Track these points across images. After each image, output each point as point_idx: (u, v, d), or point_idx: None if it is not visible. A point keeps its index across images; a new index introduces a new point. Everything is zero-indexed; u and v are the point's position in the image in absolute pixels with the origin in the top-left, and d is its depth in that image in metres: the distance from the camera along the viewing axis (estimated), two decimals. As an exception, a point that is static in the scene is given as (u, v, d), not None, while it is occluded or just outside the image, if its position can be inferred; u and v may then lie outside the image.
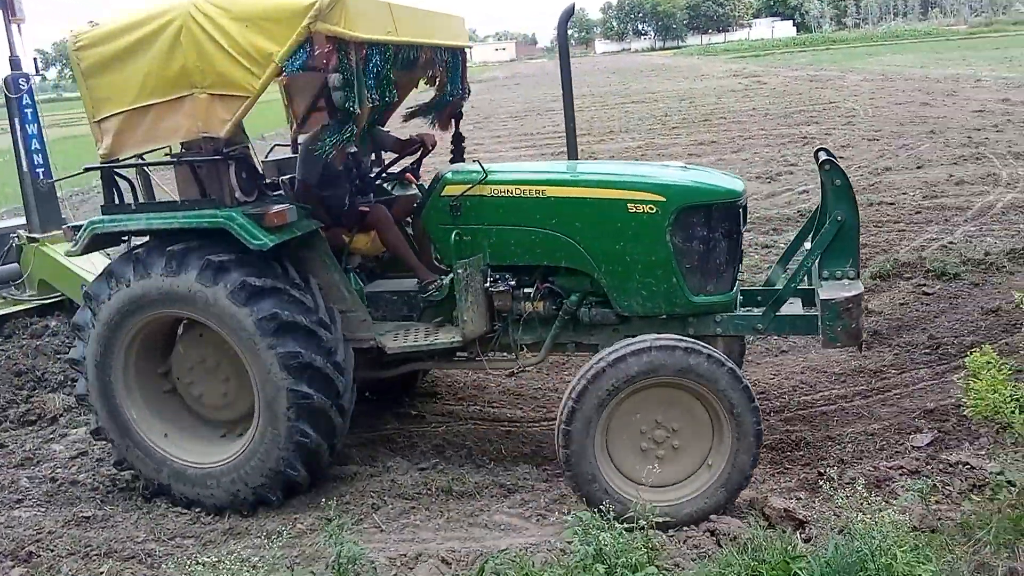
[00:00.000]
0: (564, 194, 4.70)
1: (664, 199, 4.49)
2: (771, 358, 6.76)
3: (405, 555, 4.14)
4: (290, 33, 4.18)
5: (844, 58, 44.75)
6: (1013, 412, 3.59)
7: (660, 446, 4.24)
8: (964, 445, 4.93)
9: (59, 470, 5.48)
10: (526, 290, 4.81)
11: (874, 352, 6.64)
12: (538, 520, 4.50)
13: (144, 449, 4.84)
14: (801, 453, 5.12)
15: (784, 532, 3.90)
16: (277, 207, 4.56)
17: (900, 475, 4.65)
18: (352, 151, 4.78)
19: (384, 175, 5.92)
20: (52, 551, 4.43)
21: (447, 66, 5.60)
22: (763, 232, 10.53)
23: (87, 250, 4.95)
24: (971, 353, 3.82)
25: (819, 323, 4.39)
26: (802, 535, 3.95)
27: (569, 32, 5.23)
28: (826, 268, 4.57)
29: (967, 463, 4.65)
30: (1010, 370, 3.75)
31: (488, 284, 4.75)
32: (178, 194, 4.84)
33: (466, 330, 4.76)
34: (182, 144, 4.71)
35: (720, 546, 3.98)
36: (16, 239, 7.18)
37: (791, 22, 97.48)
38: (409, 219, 5.63)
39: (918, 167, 13.58)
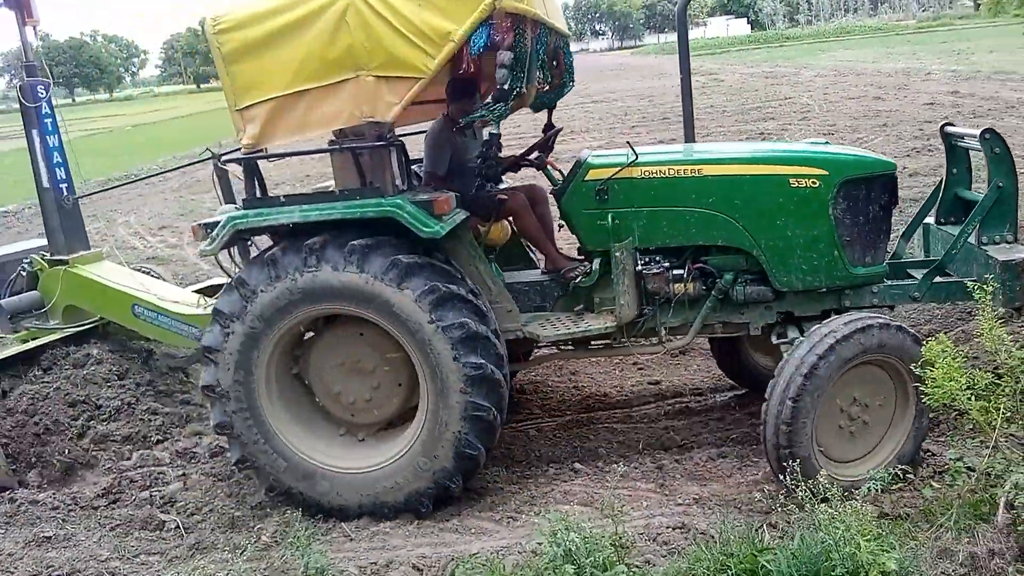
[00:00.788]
0: (722, 172, 4.73)
1: (827, 173, 4.58)
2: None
3: (376, 563, 4.11)
4: (469, 10, 4.06)
5: (798, 54, 45.41)
6: (969, 399, 3.67)
7: (853, 422, 4.35)
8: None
9: (19, 490, 5.34)
10: (676, 271, 4.78)
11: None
12: (508, 523, 4.50)
13: (279, 451, 4.58)
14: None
15: (752, 525, 3.95)
16: (442, 194, 4.45)
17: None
18: (495, 132, 4.61)
19: (523, 162, 5.56)
20: (12, 573, 4.31)
21: (565, 54, 5.60)
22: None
23: (225, 247, 4.63)
24: (927, 342, 3.89)
25: (998, 286, 4.34)
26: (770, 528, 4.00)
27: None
28: (985, 234, 4.72)
29: (928, 450, 4.77)
30: (964, 358, 3.83)
31: (640, 267, 4.74)
32: (335, 183, 4.70)
33: (622, 315, 4.74)
34: (335, 131, 4.54)
35: (690, 541, 4.02)
36: (28, 265, 6.39)
37: (745, 20, 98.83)
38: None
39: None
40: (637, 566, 3.69)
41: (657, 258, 4.79)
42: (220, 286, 6.86)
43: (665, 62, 49.60)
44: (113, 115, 63.33)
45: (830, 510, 3.22)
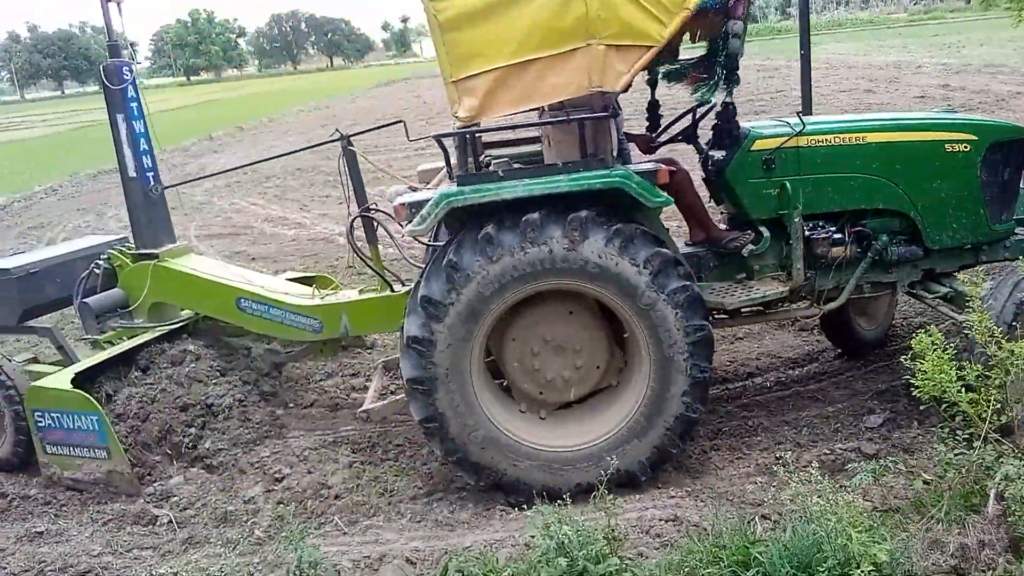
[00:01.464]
0: (884, 139, 4.99)
1: (977, 138, 4.98)
2: (727, 345, 6.85)
3: (369, 557, 4.11)
4: None
5: (790, 47, 45.44)
6: (959, 392, 3.69)
7: None
8: (915, 425, 5.08)
9: (9, 485, 5.32)
10: (837, 236, 4.99)
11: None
12: (502, 516, 4.50)
13: (490, 438, 4.43)
14: (759, 438, 5.21)
15: (744, 517, 3.96)
16: (662, 165, 4.45)
17: (856, 457, 4.76)
18: (729, 101, 4.76)
19: (678, 137, 5.53)
20: (4, 568, 4.31)
21: None
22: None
23: (437, 226, 4.41)
24: (917, 335, 3.91)
25: None
26: (762, 520, 4.02)
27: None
28: None
29: (919, 442, 4.80)
30: (954, 350, 3.84)
31: (808, 233, 4.93)
32: (549, 155, 4.66)
33: (796, 279, 4.93)
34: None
35: (683, 533, 4.04)
36: (105, 261, 5.92)
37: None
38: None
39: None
40: (630, 558, 3.70)
41: (821, 223, 5.02)
42: (311, 277, 6.74)
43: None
44: (102, 107, 62.88)
45: (821, 502, 3.24)
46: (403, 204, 4.39)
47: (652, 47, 4.13)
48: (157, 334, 5.81)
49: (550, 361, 4.60)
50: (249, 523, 4.58)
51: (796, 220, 4.82)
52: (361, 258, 5.41)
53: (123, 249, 6.02)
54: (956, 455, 3.71)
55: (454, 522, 4.47)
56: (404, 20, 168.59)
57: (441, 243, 4.56)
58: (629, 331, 4.47)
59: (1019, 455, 3.64)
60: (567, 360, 4.61)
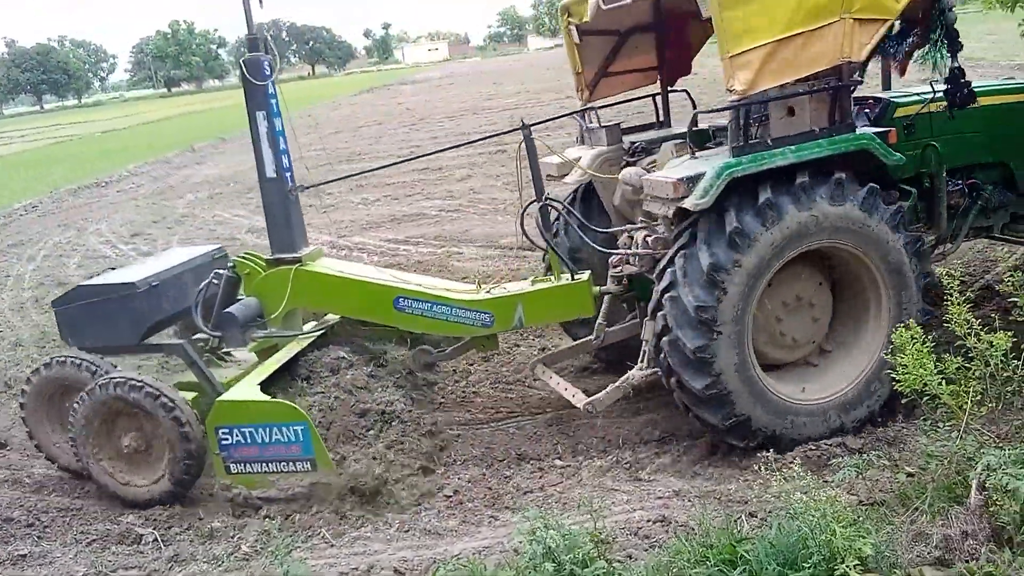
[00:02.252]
0: (997, 102, 5.79)
1: None
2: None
3: (357, 568, 4.09)
4: None
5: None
6: (940, 384, 3.71)
7: None
8: (899, 418, 5.10)
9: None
10: (959, 188, 5.65)
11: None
12: (490, 522, 4.50)
13: (759, 396, 4.73)
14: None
15: (731, 516, 3.97)
16: (890, 128, 4.99)
17: (841, 452, 4.78)
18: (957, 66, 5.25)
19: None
20: (-13, 593, 4.26)
21: None
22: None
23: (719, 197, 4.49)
24: (897, 329, 3.92)
25: None
26: (748, 517, 4.03)
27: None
28: None
29: (904, 435, 4.82)
30: (934, 343, 3.86)
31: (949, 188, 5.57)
32: (797, 124, 4.94)
33: (942, 228, 5.55)
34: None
35: (670, 534, 4.04)
36: (229, 270, 5.55)
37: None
38: None
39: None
40: (619, 561, 3.71)
41: (949, 179, 5.61)
42: None
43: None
44: (82, 121, 62.53)
45: (804, 498, 3.25)
46: (680, 179, 4.55)
47: (888, 20, 4.69)
48: (307, 342, 5.65)
49: (790, 320, 4.99)
50: (235, 539, 4.54)
51: (943, 176, 5.47)
52: (548, 243, 5.50)
53: (252, 256, 5.66)
54: (938, 447, 3.74)
55: (442, 530, 4.46)
56: (386, 27, 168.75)
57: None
58: (869, 286, 4.94)
59: (1000, 445, 3.67)
60: (804, 318, 5.03)
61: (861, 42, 4.59)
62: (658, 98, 6.54)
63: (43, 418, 5.38)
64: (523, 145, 5.34)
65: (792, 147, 4.57)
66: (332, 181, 7.76)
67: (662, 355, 4.74)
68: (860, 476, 3.94)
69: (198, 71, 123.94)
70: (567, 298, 5.49)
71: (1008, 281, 4.17)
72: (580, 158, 5.90)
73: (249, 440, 4.80)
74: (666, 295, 4.68)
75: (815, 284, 4.98)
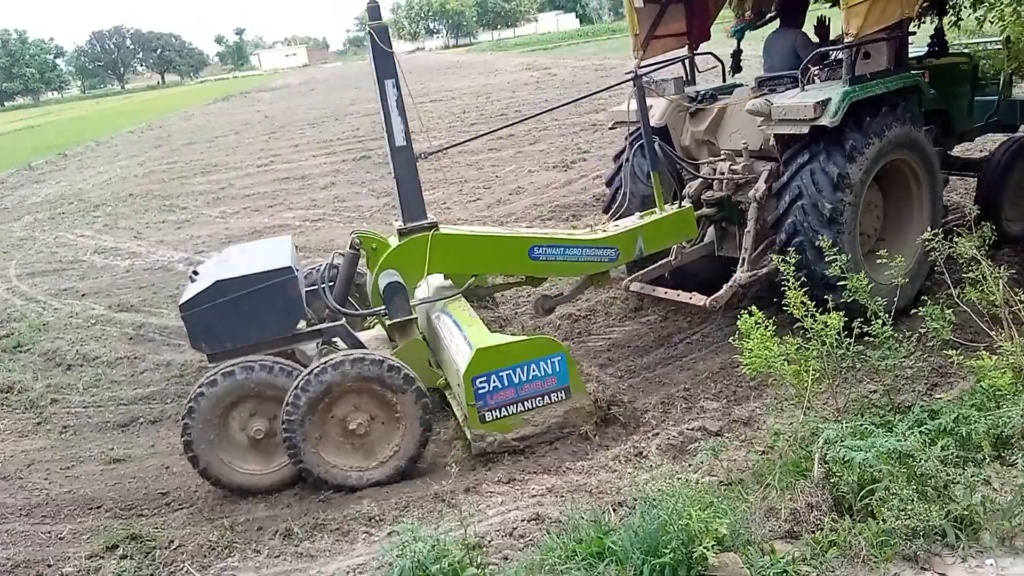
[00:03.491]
0: (943, 62, 7.39)
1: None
2: (579, 342, 7.03)
3: (224, 601, 3.90)
4: None
5: (625, 47, 47.35)
6: (783, 366, 3.94)
7: None
8: (752, 399, 5.39)
9: None
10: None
11: (669, 321, 7.10)
12: (364, 538, 4.39)
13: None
14: (612, 429, 5.35)
15: (600, 508, 4.06)
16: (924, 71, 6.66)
17: (702, 435, 5.00)
18: None
19: None
20: None
21: None
22: (564, 220, 10.94)
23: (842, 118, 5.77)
24: (742, 315, 4.14)
25: None
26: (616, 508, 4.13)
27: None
28: None
29: (757, 414, 5.10)
30: (775, 326, 4.10)
31: None
32: (879, 64, 6.24)
33: None
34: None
35: (544, 531, 4.08)
36: (351, 248, 5.66)
37: (574, 14, 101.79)
38: None
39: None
40: (493, 564, 3.71)
41: None
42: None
43: (499, 59, 50.28)
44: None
45: (659, 485, 3.36)
46: (818, 102, 5.74)
47: None
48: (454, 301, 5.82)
49: (865, 219, 6.36)
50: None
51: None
52: (654, 178, 6.38)
53: (370, 232, 5.80)
54: (785, 425, 3.96)
55: (315, 551, 4.32)
56: (239, 32, 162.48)
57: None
58: (915, 190, 6.51)
59: (839, 419, 3.93)
60: (871, 216, 6.52)
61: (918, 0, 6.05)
62: (686, 60, 7.53)
63: (213, 435, 4.85)
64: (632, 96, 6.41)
65: (880, 80, 6.02)
66: (452, 147, 7.82)
67: (790, 248, 5.29)
68: (717, 458, 4.12)
69: (33, 83, 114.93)
70: (678, 224, 6.46)
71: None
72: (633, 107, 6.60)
73: (506, 383, 4.93)
74: (795, 204, 5.94)
75: (875, 190, 6.41)
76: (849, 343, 4.06)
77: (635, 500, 4.08)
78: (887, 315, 4.27)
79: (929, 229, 5.26)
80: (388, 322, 5.57)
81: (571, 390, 5.10)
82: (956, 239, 4.53)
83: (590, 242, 6.05)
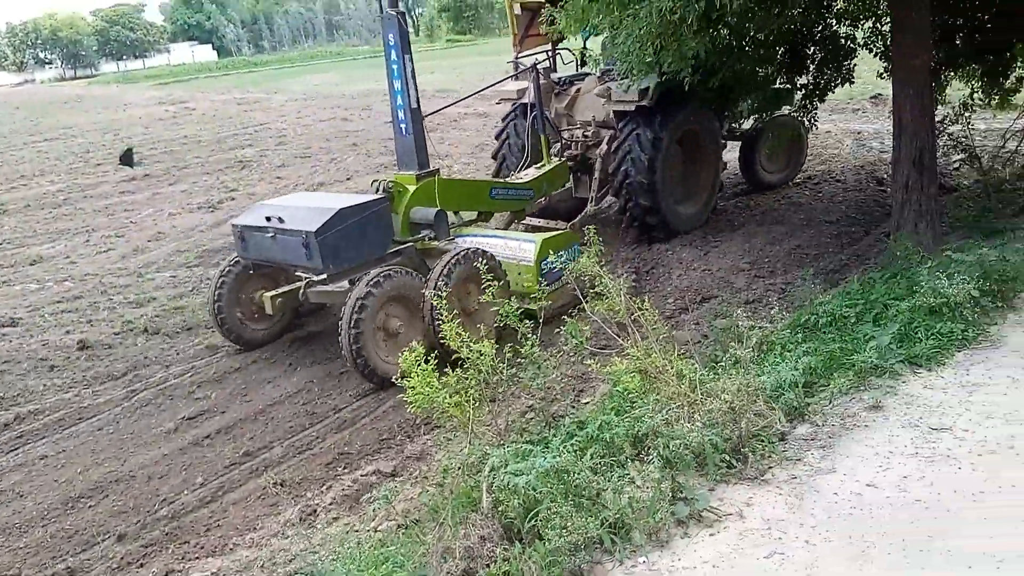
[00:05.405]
0: None
1: None
2: (262, 390, 6.53)
3: None
4: None
5: (266, 80, 46.14)
6: (446, 399, 3.94)
7: None
8: (423, 431, 5.39)
9: None
10: None
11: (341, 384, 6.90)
12: None
13: (670, 207, 9.06)
14: (287, 488, 5.01)
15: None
16: None
17: (378, 479, 4.86)
18: None
19: None
20: None
21: None
22: (213, 264, 10.19)
23: None
24: (406, 352, 4.08)
25: None
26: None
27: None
28: None
29: (430, 449, 5.10)
30: (436, 360, 4.11)
31: None
32: None
33: None
34: None
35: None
36: (385, 191, 7.14)
37: (210, 46, 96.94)
38: None
39: (348, 178, 14.66)
40: None
41: None
42: None
43: (128, 91, 46.04)
44: None
45: (334, 546, 3.15)
46: (640, 89, 8.20)
47: None
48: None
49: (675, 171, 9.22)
50: None
51: None
52: (546, 138, 9.25)
53: (393, 180, 7.29)
54: (453, 457, 3.97)
55: None
56: None
57: None
58: (704, 151, 9.50)
59: (501, 443, 4.04)
60: (677, 166, 9.29)
61: None
62: (550, 54, 10.37)
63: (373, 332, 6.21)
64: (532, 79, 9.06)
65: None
66: (442, 109, 10.97)
67: (623, 191, 8.74)
68: (391, 504, 4.01)
69: None
70: (561, 173, 9.28)
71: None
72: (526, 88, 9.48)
73: (553, 264, 6.75)
74: (626, 157, 8.62)
75: (678, 149, 9.09)
76: (503, 368, 4.20)
77: (310, 570, 3.82)
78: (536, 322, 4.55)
79: (715, 177, 9.48)
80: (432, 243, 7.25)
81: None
82: (583, 258, 4.95)
83: (519, 185, 8.71)
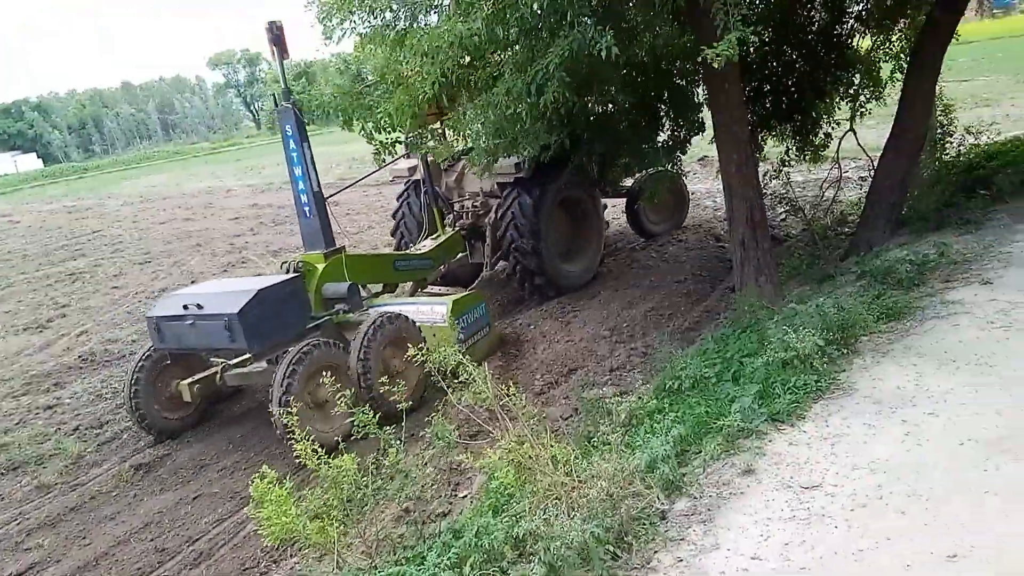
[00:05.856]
0: None
1: None
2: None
3: None
4: None
5: (100, 185, 43.84)
6: (305, 525, 3.60)
7: None
8: (291, 557, 4.93)
9: None
10: None
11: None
12: None
13: (556, 268, 9.97)
14: None
15: None
16: None
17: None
18: None
19: None
20: None
21: None
22: (43, 390, 9.23)
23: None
24: (253, 481, 3.72)
25: None
26: None
27: None
28: None
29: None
30: (293, 486, 3.77)
31: None
32: None
33: None
34: None
35: None
36: (295, 270, 7.57)
37: (35, 154, 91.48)
38: None
39: (192, 281, 13.89)
40: None
41: None
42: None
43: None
44: None
45: None
46: (516, 163, 9.33)
47: None
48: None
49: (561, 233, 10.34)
50: None
51: None
52: (439, 212, 10.26)
53: (303, 259, 7.75)
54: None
55: None
56: None
57: None
58: (587, 212, 10.55)
59: (374, 563, 3.72)
60: (562, 229, 10.32)
61: None
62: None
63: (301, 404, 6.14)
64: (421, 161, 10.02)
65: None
66: (346, 188, 12.34)
67: (511, 254, 9.55)
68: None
69: None
70: (456, 242, 10.08)
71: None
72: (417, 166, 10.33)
73: (464, 323, 7.88)
74: (510, 223, 9.44)
75: (562, 213, 10.02)
76: (366, 482, 3.90)
77: None
78: (400, 442, 4.26)
79: (598, 236, 10.47)
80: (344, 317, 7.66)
81: (491, 324, 8.37)
82: (438, 350, 4.75)
83: (419, 256, 9.45)
